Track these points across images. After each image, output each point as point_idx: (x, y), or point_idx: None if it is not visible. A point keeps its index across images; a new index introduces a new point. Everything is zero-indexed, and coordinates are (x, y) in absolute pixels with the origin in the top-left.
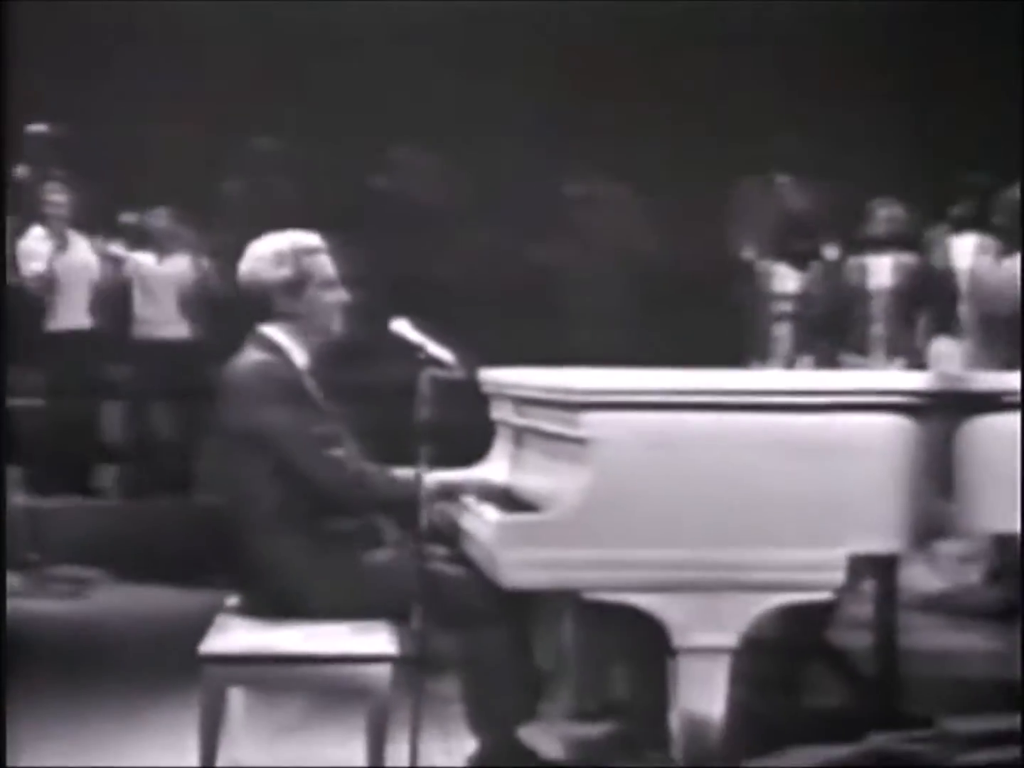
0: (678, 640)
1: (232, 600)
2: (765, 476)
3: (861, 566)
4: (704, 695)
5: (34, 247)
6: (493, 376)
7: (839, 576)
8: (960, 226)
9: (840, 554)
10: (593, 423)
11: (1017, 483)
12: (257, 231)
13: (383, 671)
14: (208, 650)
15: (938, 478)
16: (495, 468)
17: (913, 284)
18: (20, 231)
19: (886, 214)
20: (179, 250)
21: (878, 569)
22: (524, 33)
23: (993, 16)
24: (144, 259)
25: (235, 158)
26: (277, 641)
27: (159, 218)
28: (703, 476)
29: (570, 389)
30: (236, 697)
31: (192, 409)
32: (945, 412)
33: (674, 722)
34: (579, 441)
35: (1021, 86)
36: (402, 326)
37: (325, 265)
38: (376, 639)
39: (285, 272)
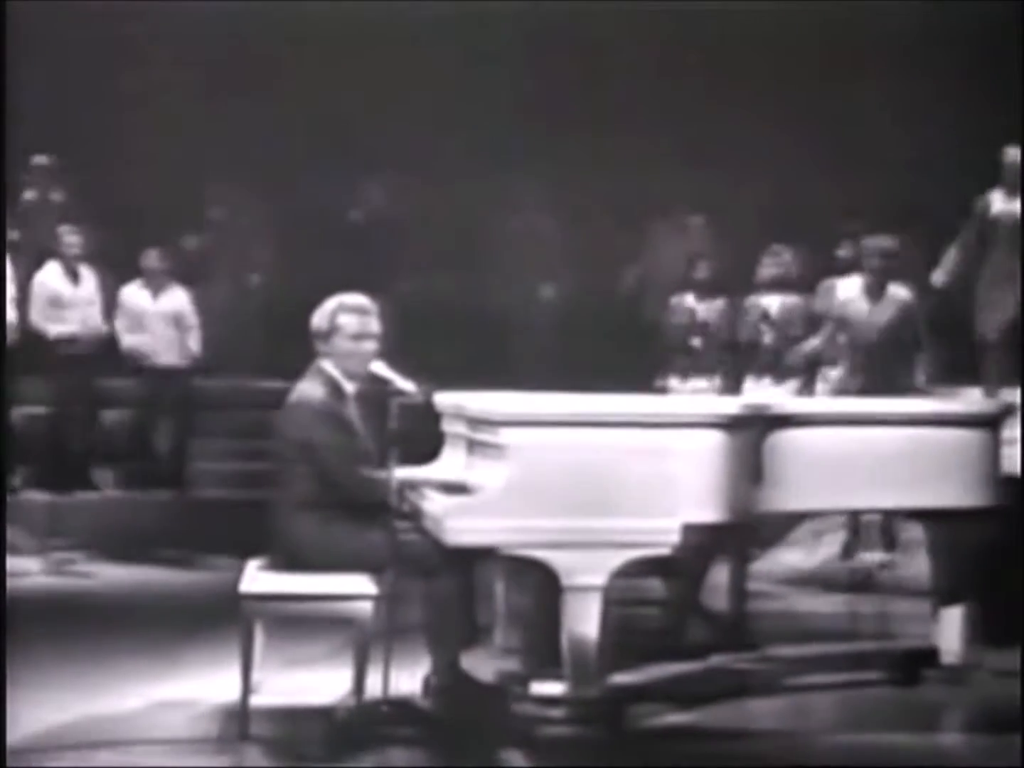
0: (565, 581)
1: (258, 561)
2: (623, 471)
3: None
4: (583, 620)
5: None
6: (443, 400)
7: (675, 537)
8: (843, 270)
9: (675, 522)
10: (509, 435)
11: (806, 476)
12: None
13: (366, 606)
14: (243, 591)
15: (749, 472)
16: (445, 467)
17: (794, 320)
18: (37, 264)
19: (773, 260)
20: (171, 287)
21: (735, 555)
22: (473, 79)
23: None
24: (141, 296)
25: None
26: (290, 585)
27: (151, 259)
28: (583, 470)
29: (493, 411)
30: (258, 640)
31: (181, 421)
32: (753, 427)
33: (564, 642)
34: (499, 447)
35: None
36: (378, 366)
37: (359, 322)
38: (361, 583)
39: (322, 323)
